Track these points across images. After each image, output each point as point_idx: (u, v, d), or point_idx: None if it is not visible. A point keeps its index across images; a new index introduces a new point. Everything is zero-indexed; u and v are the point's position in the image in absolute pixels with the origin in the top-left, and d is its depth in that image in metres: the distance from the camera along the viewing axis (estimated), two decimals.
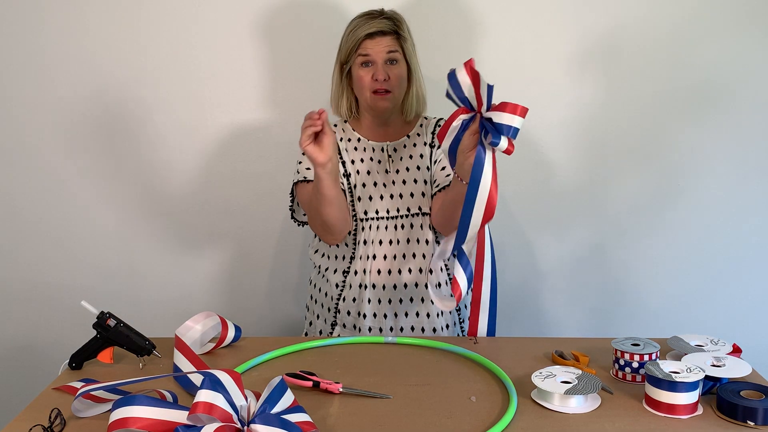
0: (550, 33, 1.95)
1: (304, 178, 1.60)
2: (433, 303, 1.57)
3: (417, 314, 1.63)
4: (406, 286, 1.62)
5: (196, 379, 1.14)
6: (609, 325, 2.12)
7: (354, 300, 1.64)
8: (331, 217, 1.51)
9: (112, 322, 1.30)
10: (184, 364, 1.21)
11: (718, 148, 2.01)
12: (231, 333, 1.41)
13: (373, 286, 1.62)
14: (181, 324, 1.32)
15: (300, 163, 1.64)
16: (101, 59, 1.96)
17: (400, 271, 1.62)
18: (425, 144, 1.65)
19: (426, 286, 1.52)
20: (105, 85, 1.98)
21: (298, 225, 1.71)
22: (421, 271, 1.62)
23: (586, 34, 1.94)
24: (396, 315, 1.63)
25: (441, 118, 1.68)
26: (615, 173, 2.04)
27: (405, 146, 1.65)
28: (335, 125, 1.68)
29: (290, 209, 1.68)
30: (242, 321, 1.55)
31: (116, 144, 2.02)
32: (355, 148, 1.65)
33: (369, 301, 1.62)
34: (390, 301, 1.62)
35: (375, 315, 1.63)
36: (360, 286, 1.63)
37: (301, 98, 1.99)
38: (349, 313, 1.65)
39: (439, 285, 1.66)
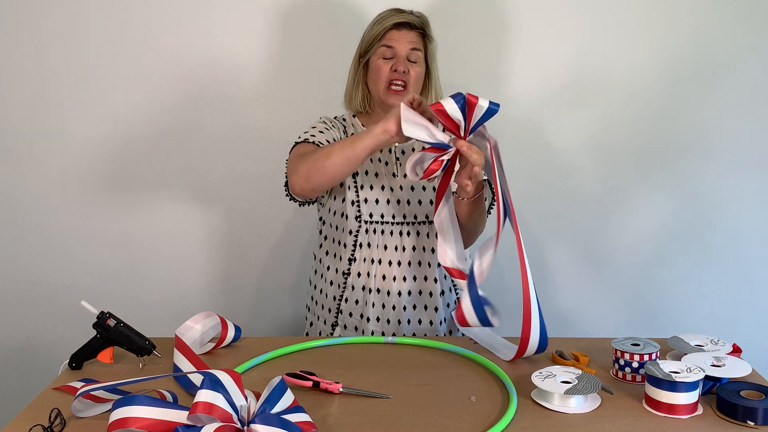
0: (560, 36, 1.95)
1: (312, 137, 1.53)
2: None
3: (419, 321, 1.62)
4: (410, 293, 1.61)
5: (196, 379, 1.14)
6: (609, 325, 2.12)
7: (357, 302, 1.62)
8: (337, 171, 1.40)
9: (112, 322, 1.30)
10: (184, 364, 1.21)
11: (718, 149, 2.01)
12: (231, 333, 1.41)
13: (378, 290, 1.61)
14: (181, 324, 1.32)
15: (314, 127, 1.59)
16: (101, 58, 1.96)
17: (405, 279, 1.60)
18: None
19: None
20: (105, 86, 1.98)
21: (292, 200, 1.59)
22: (426, 279, 1.61)
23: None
24: (399, 322, 1.62)
25: None
26: (617, 174, 2.04)
27: (414, 149, 1.63)
28: (344, 119, 1.66)
29: (285, 186, 1.58)
30: (242, 321, 1.55)
31: (116, 144, 2.02)
32: None
33: (373, 305, 1.61)
34: (394, 308, 1.61)
35: (378, 319, 1.62)
36: (363, 288, 1.61)
37: (301, 98, 1.99)
38: (351, 314, 1.64)
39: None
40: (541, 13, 1.94)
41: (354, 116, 1.67)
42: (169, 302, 2.11)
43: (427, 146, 1.31)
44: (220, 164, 2.03)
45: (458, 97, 1.24)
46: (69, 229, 2.07)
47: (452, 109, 1.24)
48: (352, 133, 1.63)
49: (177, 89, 1.98)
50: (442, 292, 1.64)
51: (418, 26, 1.55)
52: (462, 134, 1.29)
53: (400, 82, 1.53)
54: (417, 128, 1.28)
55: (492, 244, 1.34)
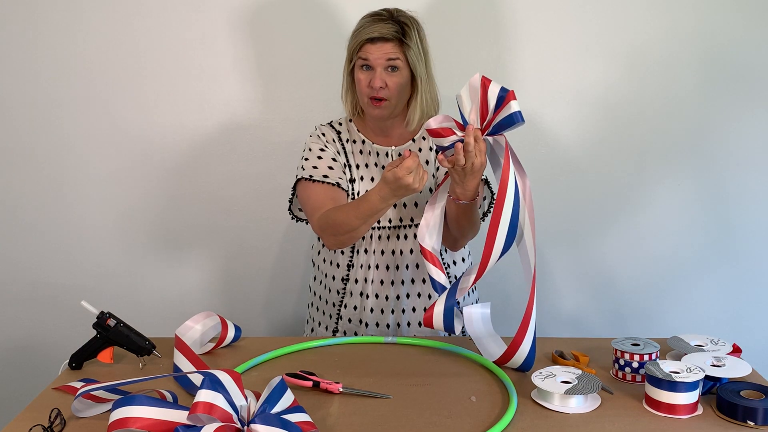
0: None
1: (310, 176, 1.55)
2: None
3: (420, 324, 1.62)
4: (408, 296, 1.61)
5: (196, 379, 1.15)
6: (609, 325, 2.12)
7: (355, 308, 1.62)
8: (365, 231, 1.48)
9: (112, 322, 1.30)
10: (184, 364, 1.21)
11: (719, 148, 2.01)
12: (231, 333, 1.41)
13: (376, 296, 1.60)
14: (181, 324, 1.32)
15: (306, 159, 1.59)
16: (101, 59, 1.96)
17: (403, 282, 1.60)
18: (431, 149, 1.62)
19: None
20: (104, 86, 1.98)
21: (294, 220, 1.67)
22: (424, 281, 1.60)
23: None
24: (399, 325, 1.61)
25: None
26: (617, 173, 2.04)
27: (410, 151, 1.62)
28: (340, 123, 1.65)
29: (290, 201, 1.65)
30: (242, 321, 1.55)
31: (116, 144, 2.02)
32: (360, 152, 1.62)
33: (372, 310, 1.61)
34: (393, 312, 1.61)
35: (377, 324, 1.61)
36: (361, 294, 1.61)
37: (301, 98, 1.99)
38: (350, 320, 1.63)
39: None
40: (540, 13, 1.94)
41: (350, 120, 1.65)
42: (169, 302, 2.11)
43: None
44: (220, 164, 2.03)
45: (503, 90, 1.25)
46: (69, 230, 2.07)
47: (493, 92, 1.26)
48: (347, 140, 1.62)
49: (176, 89, 1.98)
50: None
51: (393, 37, 1.48)
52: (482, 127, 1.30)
53: (379, 97, 1.50)
54: (444, 124, 1.33)
55: (475, 271, 1.30)
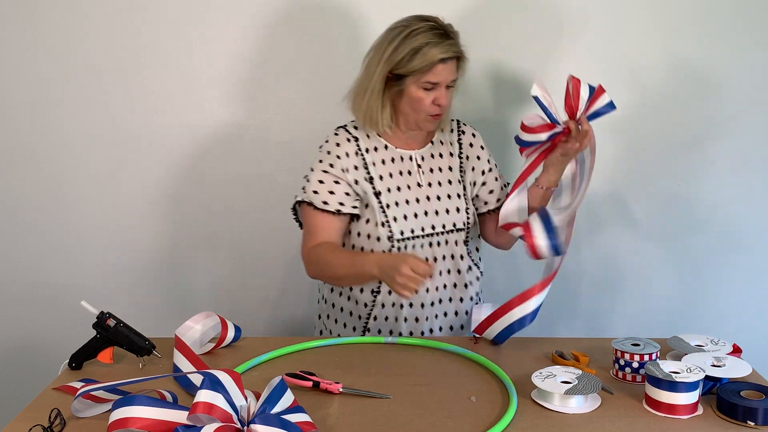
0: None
1: (310, 202, 1.53)
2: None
3: (451, 328, 1.63)
4: (441, 301, 1.60)
5: (196, 379, 1.15)
6: (609, 325, 2.12)
7: (386, 319, 1.60)
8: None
9: (111, 322, 1.30)
10: (184, 364, 1.21)
11: (717, 148, 2.01)
12: (231, 333, 1.41)
13: (410, 305, 1.58)
14: (181, 324, 1.32)
15: (308, 181, 1.56)
16: (101, 59, 1.96)
17: (437, 288, 1.59)
18: (451, 155, 1.62)
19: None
20: (104, 86, 1.98)
21: (300, 227, 1.66)
22: (455, 286, 1.61)
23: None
24: (431, 331, 1.61)
25: (458, 120, 1.68)
26: (617, 173, 2.03)
27: (432, 155, 1.61)
28: (355, 127, 1.60)
29: (293, 212, 1.64)
30: (242, 322, 1.55)
31: (116, 145, 2.01)
32: (383, 161, 1.58)
33: (405, 319, 1.59)
34: (427, 318, 1.60)
35: (411, 333, 1.59)
36: (393, 305, 1.58)
37: (301, 98, 1.99)
38: (380, 331, 1.61)
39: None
40: (538, 18, 1.94)
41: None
42: (169, 302, 2.11)
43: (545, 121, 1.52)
44: (220, 164, 2.03)
45: (591, 88, 1.48)
46: (69, 229, 2.07)
47: (585, 89, 1.47)
48: (368, 149, 1.56)
49: (176, 89, 1.98)
50: (471, 298, 1.64)
51: (459, 55, 1.50)
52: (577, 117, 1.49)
53: (438, 112, 1.53)
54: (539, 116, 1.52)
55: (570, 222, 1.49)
